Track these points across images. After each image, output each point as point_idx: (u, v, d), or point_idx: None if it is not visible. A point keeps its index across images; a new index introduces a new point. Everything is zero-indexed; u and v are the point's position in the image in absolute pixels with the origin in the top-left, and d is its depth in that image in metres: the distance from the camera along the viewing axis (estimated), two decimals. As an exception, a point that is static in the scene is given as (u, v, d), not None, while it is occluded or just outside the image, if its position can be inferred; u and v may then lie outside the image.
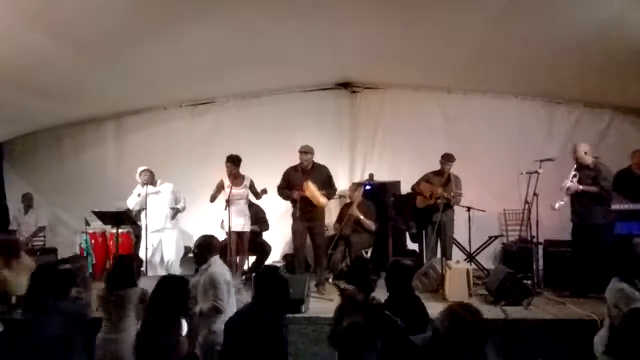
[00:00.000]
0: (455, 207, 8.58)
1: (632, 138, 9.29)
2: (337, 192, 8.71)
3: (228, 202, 8.01)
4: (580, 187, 7.21)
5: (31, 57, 6.30)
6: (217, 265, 5.46)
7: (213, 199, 8.28)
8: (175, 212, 8.73)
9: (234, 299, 5.55)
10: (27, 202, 9.91)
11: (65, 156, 10.47)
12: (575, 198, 7.34)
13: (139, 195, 8.42)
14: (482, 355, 3.24)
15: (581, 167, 7.36)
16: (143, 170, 8.46)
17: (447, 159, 8.37)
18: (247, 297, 7.17)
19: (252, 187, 8.35)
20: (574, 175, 7.27)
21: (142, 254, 8.40)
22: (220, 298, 5.24)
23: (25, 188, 10.16)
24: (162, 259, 8.59)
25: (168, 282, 4.44)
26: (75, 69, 7.12)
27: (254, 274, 6.37)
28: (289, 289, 4.24)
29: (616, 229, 7.53)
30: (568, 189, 7.26)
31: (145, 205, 8.36)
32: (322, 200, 7.92)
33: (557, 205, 7.29)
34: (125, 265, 5.54)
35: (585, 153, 7.35)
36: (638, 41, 6.31)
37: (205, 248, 5.56)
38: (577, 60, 7.31)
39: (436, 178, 8.49)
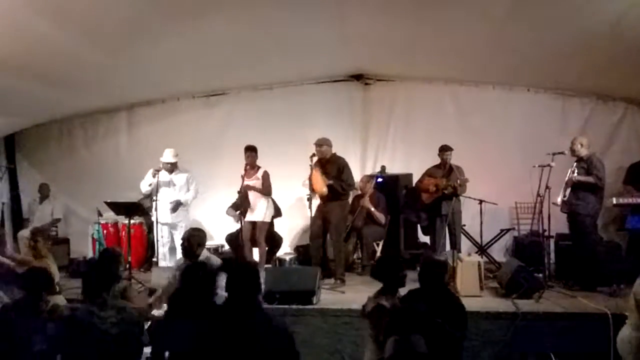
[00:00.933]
0: (467, 200, 8.58)
1: (646, 130, 9.26)
2: (351, 186, 8.49)
3: (240, 193, 8.06)
4: (575, 177, 7.21)
5: (43, 47, 6.30)
6: (213, 259, 5.61)
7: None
8: (176, 205, 8.48)
9: None
10: (44, 192, 9.97)
11: (77, 147, 10.51)
12: (574, 189, 7.34)
13: (150, 185, 8.41)
14: None
15: (578, 160, 7.41)
16: (164, 163, 8.43)
17: (445, 149, 8.44)
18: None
19: (265, 179, 8.37)
20: (572, 171, 7.28)
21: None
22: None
23: (38, 178, 10.25)
24: (172, 249, 8.60)
25: (195, 269, 4.43)
26: (88, 59, 7.11)
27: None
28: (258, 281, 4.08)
29: (627, 223, 7.53)
30: (566, 183, 7.28)
31: (157, 196, 8.34)
32: (322, 188, 7.91)
33: (558, 200, 7.35)
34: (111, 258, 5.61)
35: (581, 145, 7.37)
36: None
37: (195, 242, 5.66)
38: (590, 53, 7.28)
39: (438, 171, 8.53)
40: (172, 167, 8.47)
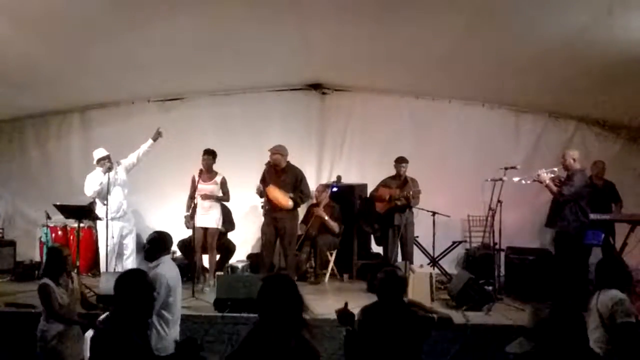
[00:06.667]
0: (421, 212, 8.64)
1: (594, 149, 9.50)
2: (308, 197, 8.72)
3: (193, 198, 7.93)
4: (547, 181, 7.29)
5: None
6: (164, 266, 5.02)
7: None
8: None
9: (178, 304, 5.15)
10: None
11: (28, 148, 10.23)
12: (556, 205, 7.37)
13: (100, 184, 8.03)
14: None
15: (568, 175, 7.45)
16: (102, 159, 8.08)
17: (401, 161, 8.48)
18: (209, 297, 7.15)
19: (223, 185, 8.31)
20: (552, 172, 7.34)
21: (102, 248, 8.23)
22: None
23: (-14, 179, 9.95)
24: (121, 251, 8.39)
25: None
26: (39, 59, 7.00)
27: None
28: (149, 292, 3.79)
29: (585, 239, 7.64)
30: (538, 175, 7.35)
31: (108, 194, 7.99)
32: (286, 202, 7.99)
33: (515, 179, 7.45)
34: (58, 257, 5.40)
35: (574, 160, 7.42)
36: (602, 54, 6.44)
37: (158, 245, 5.13)
38: (543, 71, 7.45)
39: (393, 182, 8.56)
40: (111, 164, 8.17)
